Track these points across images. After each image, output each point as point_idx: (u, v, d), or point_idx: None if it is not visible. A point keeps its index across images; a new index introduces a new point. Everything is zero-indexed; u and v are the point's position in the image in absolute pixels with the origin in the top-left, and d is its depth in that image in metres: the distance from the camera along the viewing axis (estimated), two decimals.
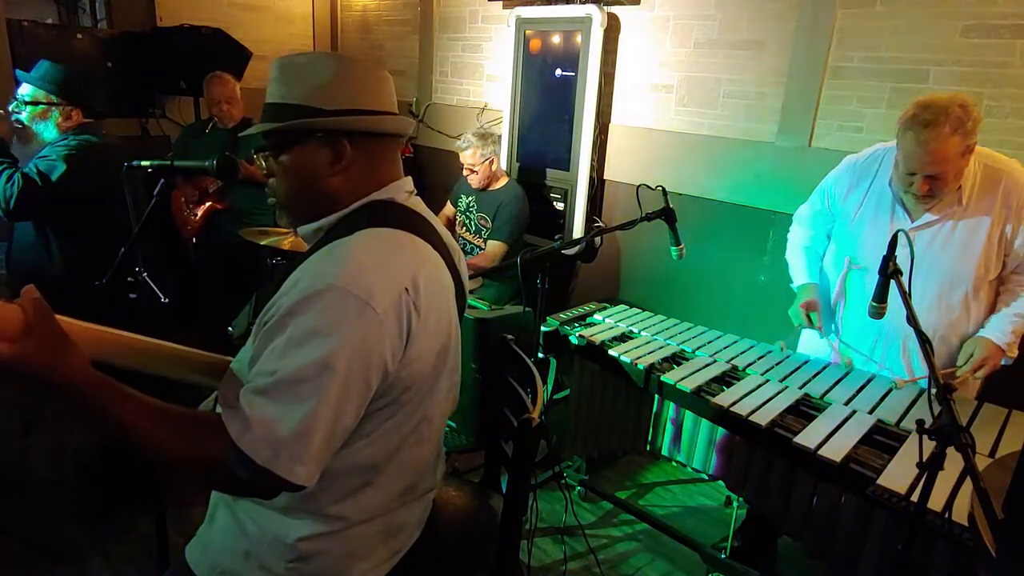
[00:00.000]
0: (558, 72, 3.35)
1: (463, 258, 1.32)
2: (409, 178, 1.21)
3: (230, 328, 2.40)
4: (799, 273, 2.20)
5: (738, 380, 1.98)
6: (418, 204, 1.21)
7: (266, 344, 0.99)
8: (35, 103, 2.32)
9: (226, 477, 0.96)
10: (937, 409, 1.16)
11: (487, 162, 3.21)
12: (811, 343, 2.22)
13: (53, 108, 2.33)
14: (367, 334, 0.97)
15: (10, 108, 2.34)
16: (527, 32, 3.43)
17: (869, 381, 1.96)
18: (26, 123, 2.34)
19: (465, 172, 3.28)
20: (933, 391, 1.18)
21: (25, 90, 2.33)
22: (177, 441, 0.96)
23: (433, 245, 1.15)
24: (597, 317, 2.49)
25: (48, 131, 2.35)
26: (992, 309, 1.91)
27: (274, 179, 1.15)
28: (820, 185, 2.13)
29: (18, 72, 2.38)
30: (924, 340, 1.30)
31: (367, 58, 1.18)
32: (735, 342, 2.28)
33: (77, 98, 2.36)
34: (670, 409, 2.07)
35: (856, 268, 2.01)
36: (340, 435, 1.01)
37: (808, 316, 2.05)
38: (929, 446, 1.12)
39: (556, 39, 3.34)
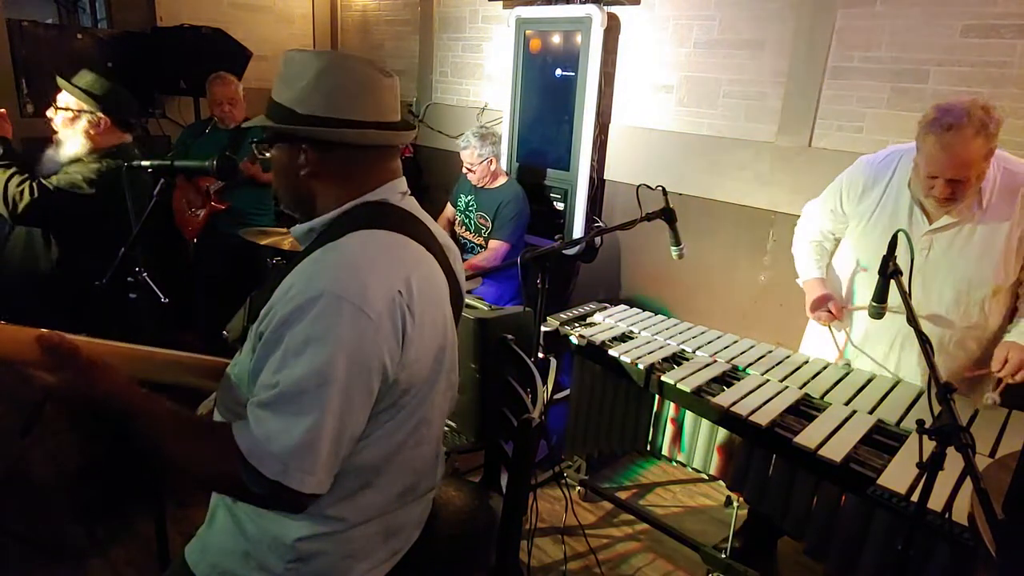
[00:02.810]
0: (558, 72, 3.35)
1: (459, 258, 1.32)
2: (403, 179, 1.20)
3: (224, 332, 2.39)
4: (807, 267, 2.15)
5: (738, 380, 1.98)
6: (412, 205, 1.20)
7: (265, 356, 1.00)
8: (66, 108, 2.27)
9: (241, 490, 0.99)
10: (937, 409, 1.16)
11: (485, 161, 3.21)
12: (815, 345, 2.21)
13: (83, 115, 2.27)
14: (363, 339, 0.98)
15: (48, 113, 2.30)
16: (527, 32, 3.43)
17: (869, 381, 1.96)
18: (57, 128, 2.29)
19: (464, 170, 3.29)
20: (933, 391, 1.18)
21: (61, 95, 2.29)
22: (197, 455, 1.01)
23: (427, 246, 1.15)
24: (597, 317, 2.49)
25: (75, 139, 2.28)
26: (1011, 313, 1.89)
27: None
28: (833, 183, 2.09)
29: (59, 78, 2.32)
30: (924, 340, 1.30)
31: (364, 61, 1.14)
32: (735, 342, 2.28)
33: (111, 109, 2.30)
34: (670, 409, 2.06)
35: (871, 272, 1.99)
36: (347, 442, 1.01)
37: (829, 311, 2.02)
38: (929, 446, 1.12)
39: (556, 39, 3.34)
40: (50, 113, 2.30)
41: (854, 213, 2.01)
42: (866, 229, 1.98)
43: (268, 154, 1.17)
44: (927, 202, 1.83)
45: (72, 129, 2.29)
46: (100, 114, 2.29)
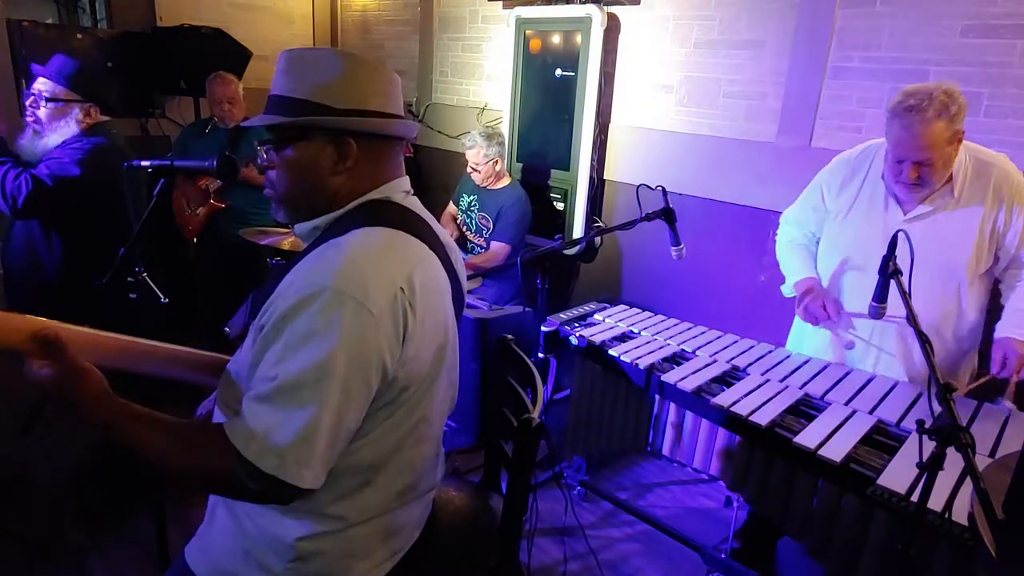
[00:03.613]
0: (558, 72, 3.35)
1: (461, 258, 1.32)
2: (406, 178, 1.21)
3: (226, 328, 2.39)
4: (797, 269, 2.13)
5: (738, 380, 1.98)
6: (415, 204, 1.21)
7: (264, 349, 0.99)
8: (54, 99, 2.26)
9: (236, 487, 0.98)
10: (937, 409, 1.16)
11: (490, 162, 3.21)
12: (806, 342, 2.21)
13: (74, 105, 2.27)
14: (363, 335, 0.98)
15: (27, 104, 2.29)
16: (527, 32, 3.43)
17: (869, 381, 1.96)
18: (43, 120, 2.27)
19: (469, 169, 3.30)
20: (933, 391, 1.18)
21: (43, 86, 2.26)
22: (187, 456, 1.00)
23: (429, 245, 1.15)
24: (597, 317, 2.49)
25: (66, 129, 2.28)
26: (984, 303, 1.91)
27: (274, 172, 1.14)
28: (812, 184, 2.11)
29: (33, 66, 2.31)
30: (924, 340, 1.30)
31: (375, 58, 1.18)
32: (735, 342, 2.28)
33: (95, 95, 2.31)
34: (670, 409, 2.06)
35: (850, 265, 2.00)
36: (344, 437, 1.01)
37: (823, 309, 1.99)
38: (929, 446, 1.12)
39: (556, 39, 3.33)
40: (29, 103, 2.28)
41: (834, 207, 2.03)
42: (844, 222, 2.00)
43: (287, 153, 1.11)
44: (899, 190, 1.85)
45: (63, 120, 2.28)
46: (90, 103, 2.30)
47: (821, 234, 2.12)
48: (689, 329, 2.39)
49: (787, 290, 2.17)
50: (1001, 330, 1.85)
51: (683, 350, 2.20)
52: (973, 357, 1.98)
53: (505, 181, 3.33)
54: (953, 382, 1.90)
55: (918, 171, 1.74)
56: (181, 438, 1.01)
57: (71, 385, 0.98)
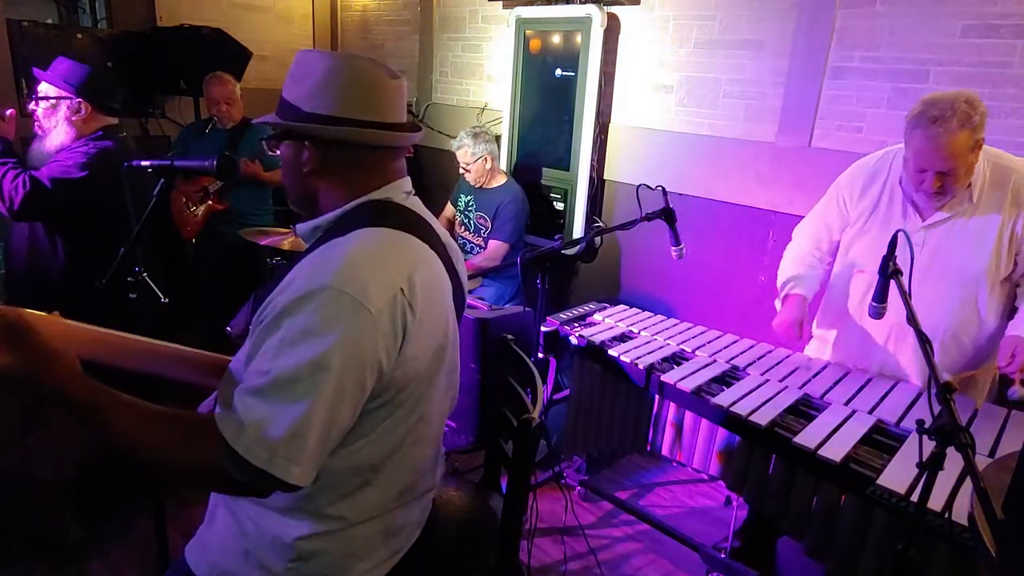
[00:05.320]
0: (558, 72, 3.35)
1: (462, 258, 1.32)
2: (407, 178, 1.21)
3: (228, 328, 2.39)
4: (787, 283, 2.14)
5: (738, 380, 1.98)
6: (416, 204, 1.21)
7: (260, 343, 0.99)
8: (46, 98, 2.27)
9: (222, 479, 0.97)
10: (937, 409, 1.16)
11: (480, 160, 3.20)
12: (816, 347, 2.21)
13: (62, 103, 2.27)
14: (361, 334, 0.97)
15: (30, 107, 2.30)
16: (527, 32, 3.43)
17: (869, 381, 1.96)
18: (39, 120, 2.28)
19: (461, 170, 3.29)
20: (933, 391, 1.18)
21: (40, 86, 2.29)
22: (171, 445, 0.98)
23: (431, 245, 1.15)
24: (597, 317, 2.49)
25: (60, 128, 2.28)
26: (1004, 310, 1.90)
27: None
28: (826, 196, 2.10)
29: (35, 70, 2.33)
30: (924, 340, 1.30)
31: (372, 62, 1.15)
32: (735, 342, 2.28)
33: (88, 93, 2.29)
34: (670, 409, 2.06)
35: (867, 272, 1.99)
36: (335, 435, 1.01)
37: (793, 328, 2.02)
38: (929, 446, 1.12)
39: (556, 39, 3.33)
40: (31, 106, 2.30)
41: (854, 212, 2.02)
42: (863, 229, 1.99)
43: (277, 151, 1.18)
44: (919, 198, 1.84)
45: (54, 118, 2.28)
46: (78, 99, 2.28)
47: (834, 248, 2.11)
48: (689, 329, 2.39)
49: (777, 303, 2.17)
50: (1013, 329, 1.83)
51: (682, 350, 2.20)
52: (992, 363, 1.97)
53: (501, 180, 3.32)
54: (971, 390, 1.91)
55: (941, 180, 1.73)
56: (166, 426, 0.98)
57: (37, 369, 0.92)
